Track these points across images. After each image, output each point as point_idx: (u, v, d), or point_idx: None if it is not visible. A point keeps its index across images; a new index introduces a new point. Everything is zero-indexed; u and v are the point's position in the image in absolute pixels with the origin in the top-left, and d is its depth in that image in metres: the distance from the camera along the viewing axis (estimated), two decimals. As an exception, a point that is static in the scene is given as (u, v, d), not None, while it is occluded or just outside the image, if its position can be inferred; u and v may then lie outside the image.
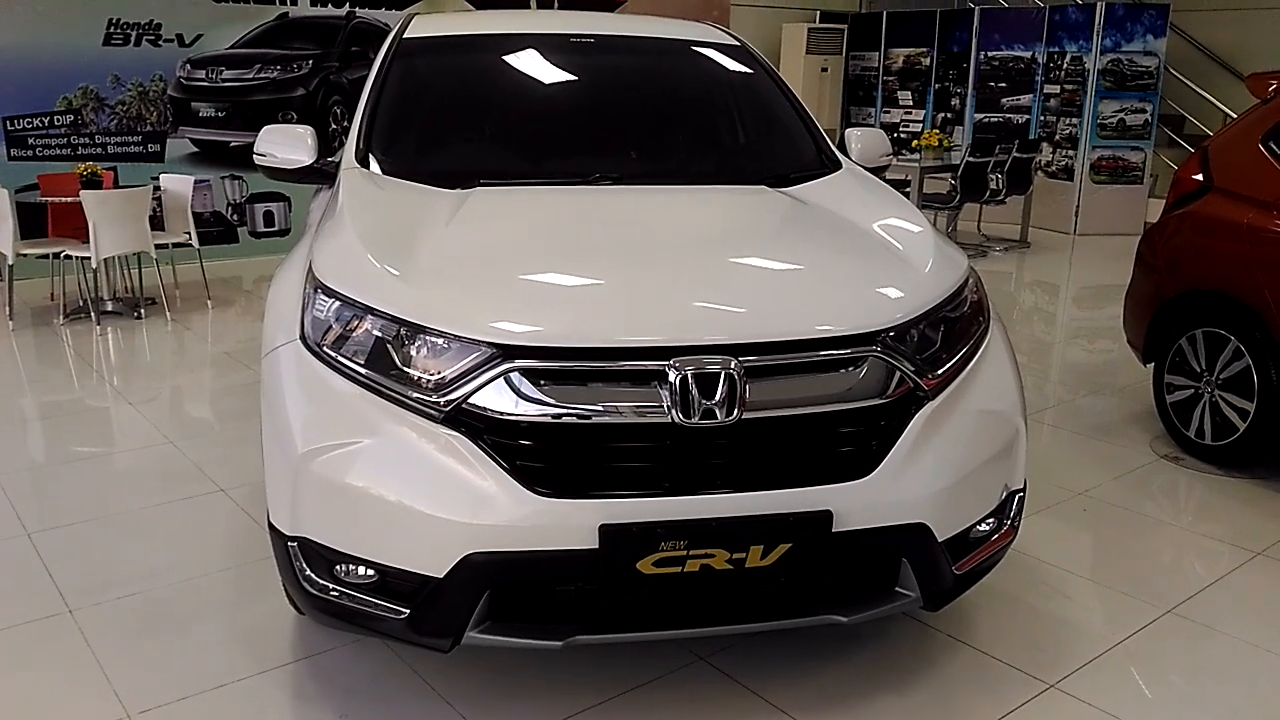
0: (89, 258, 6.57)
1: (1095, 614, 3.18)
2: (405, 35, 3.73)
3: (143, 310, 7.00)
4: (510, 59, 3.67)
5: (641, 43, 3.88)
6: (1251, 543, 3.66)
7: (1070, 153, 10.65)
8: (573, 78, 3.69)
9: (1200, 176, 4.51)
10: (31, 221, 7.24)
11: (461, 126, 3.57)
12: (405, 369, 2.33)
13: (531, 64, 3.66)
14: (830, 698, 2.70)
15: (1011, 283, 8.65)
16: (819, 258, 2.76)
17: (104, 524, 3.75)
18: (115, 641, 2.94)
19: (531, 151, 3.46)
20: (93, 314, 6.83)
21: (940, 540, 2.45)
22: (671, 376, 2.24)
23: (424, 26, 3.81)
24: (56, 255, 6.81)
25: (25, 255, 6.81)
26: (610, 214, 2.96)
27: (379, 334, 2.38)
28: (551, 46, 3.72)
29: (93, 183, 6.74)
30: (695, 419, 2.24)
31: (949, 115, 11.75)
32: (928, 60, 11.88)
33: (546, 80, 3.67)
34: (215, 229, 8.74)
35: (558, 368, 2.26)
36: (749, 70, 3.85)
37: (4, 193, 6.69)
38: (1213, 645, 3.01)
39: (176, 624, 3.05)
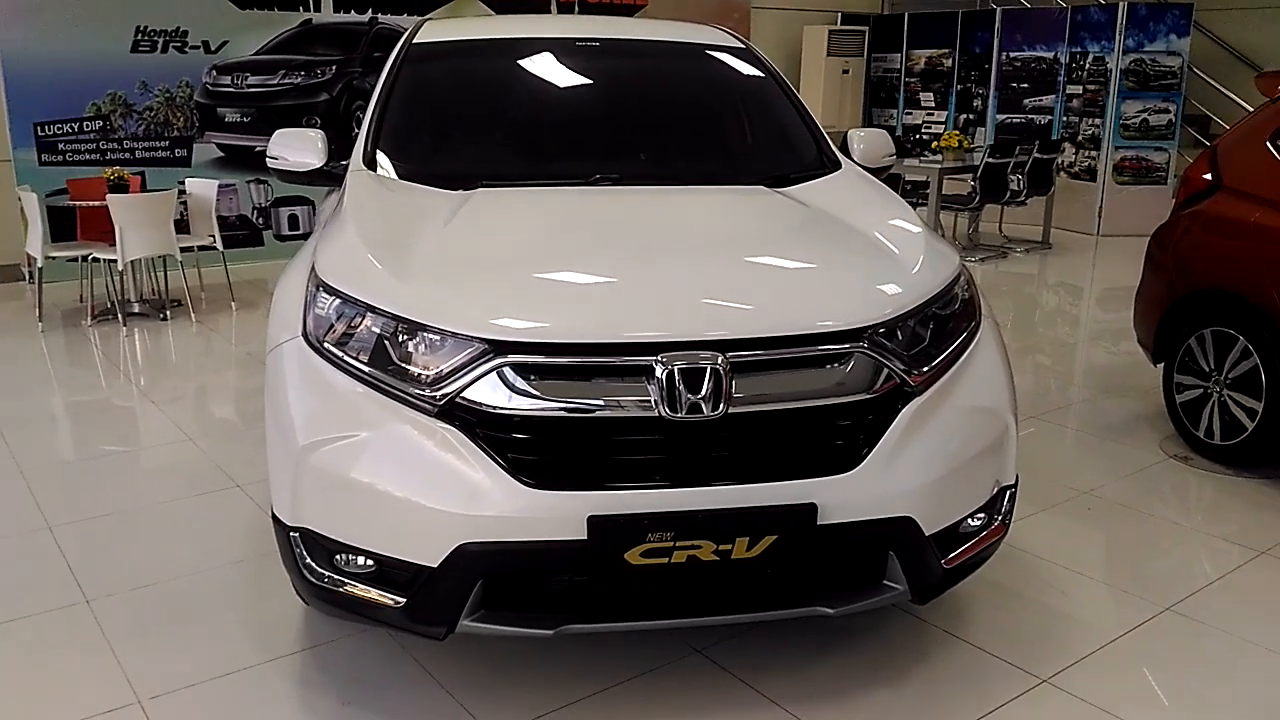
0: (116, 260, 6.71)
1: (1092, 610, 3.19)
2: (415, 41, 3.80)
3: (168, 312, 7.14)
4: (516, 63, 3.74)
5: (645, 46, 3.94)
6: (1256, 541, 3.65)
7: (1093, 153, 10.59)
8: (576, 81, 3.75)
9: (1209, 175, 4.50)
10: (61, 225, 7.41)
11: (466, 130, 3.65)
12: (402, 364, 2.40)
13: (536, 68, 3.73)
14: (824, 690, 2.74)
15: (1033, 284, 8.62)
16: (808, 255, 2.80)
17: (123, 518, 3.85)
18: (129, 631, 3.03)
19: (533, 153, 3.53)
20: (120, 315, 6.98)
21: (927, 534, 2.48)
22: (658, 372, 2.29)
23: (433, 32, 3.89)
24: (85, 258, 6.97)
25: (54, 258, 6.98)
26: (605, 214, 3.02)
27: (377, 331, 2.45)
28: (557, 50, 3.79)
29: (120, 187, 6.90)
30: (682, 414, 2.29)
31: (971, 116, 11.72)
32: (949, 61, 11.86)
33: (550, 84, 3.74)
34: (240, 232, 8.89)
35: (548, 363, 2.32)
36: (752, 72, 3.89)
37: (34, 196, 6.86)
38: (1210, 642, 3.01)
39: (188, 615, 3.13)
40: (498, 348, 2.32)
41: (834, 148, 3.67)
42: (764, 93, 3.83)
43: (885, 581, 2.53)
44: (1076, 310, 7.93)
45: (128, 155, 8.32)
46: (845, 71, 12.32)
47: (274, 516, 2.57)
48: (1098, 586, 3.34)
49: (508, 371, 2.31)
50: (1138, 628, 3.08)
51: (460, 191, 3.05)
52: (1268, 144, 4.27)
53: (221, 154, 8.79)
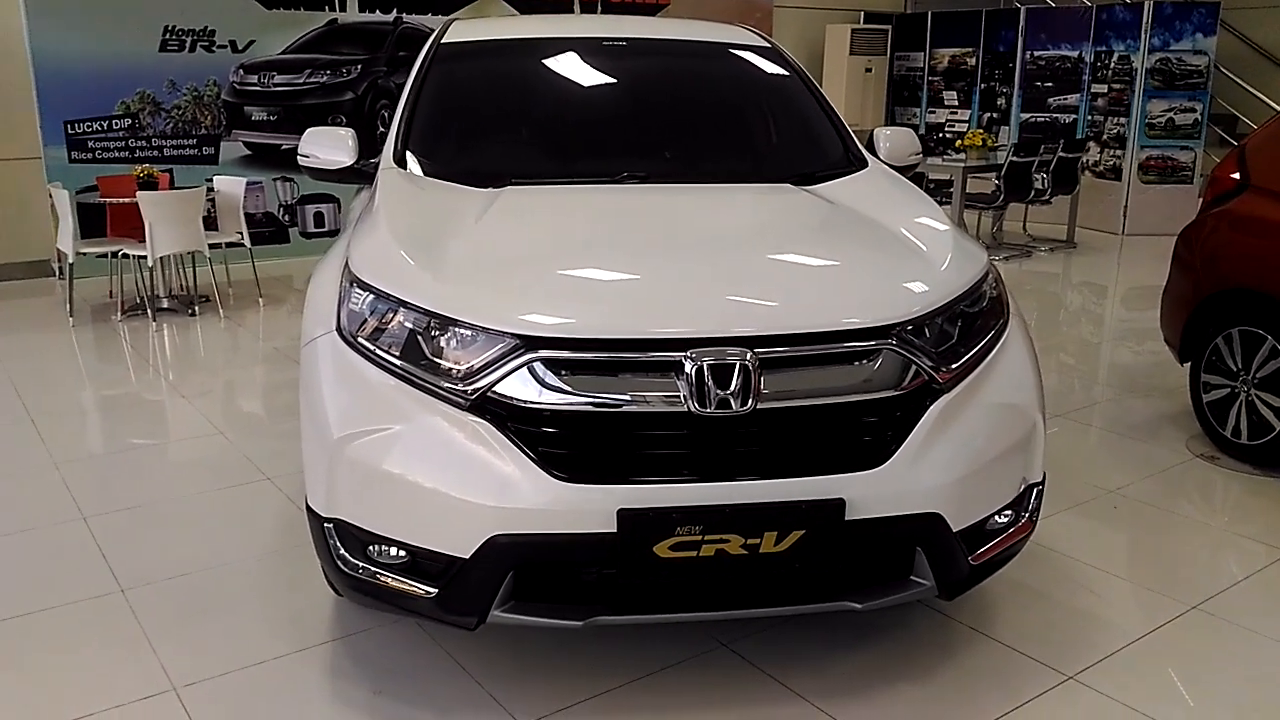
0: (145, 256, 6.79)
1: (1119, 609, 3.19)
2: (443, 40, 3.84)
3: (197, 307, 7.22)
4: (543, 62, 3.77)
5: (672, 45, 3.96)
6: (1283, 541, 3.64)
7: (1118, 152, 10.53)
8: (603, 80, 3.78)
9: (1237, 175, 4.49)
10: (91, 221, 7.50)
11: (495, 128, 3.68)
12: (435, 359, 2.43)
13: (564, 67, 3.76)
14: (850, 685, 2.75)
15: (1058, 283, 8.59)
16: (836, 253, 2.82)
17: (156, 510, 3.91)
18: (163, 620, 3.09)
19: (562, 152, 3.56)
20: (149, 311, 7.06)
21: (955, 530, 2.49)
22: (688, 368, 2.32)
23: (461, 32, 3.92)
24: (115, 254, 7.05)
25: (85, 254, 7.07)
26: (633, 212, 3.05)
27: (410, 326, 2.48)
28: (584, 50, 3.82)
29: (149, 184, 6.97)
30: (710, 409, 2.31)
31: (995, 115, 11.67)
32: (973, 60, 11.81)
33: (578, 83, 3.77)
34: (267, 229, 8.96)
35: (578, 358, 2.35)
36: (779, 71, 3.91)
37: (65, 193, 6.95)
38: (1238, 641, 3.01)
39: (222, 604, 3.18)
40: (529, 343, 2.35)
41: (860, 146, 3.68)
42: (790, 91, 3.85)
43: (912, 577, 2.54)
44: (1101, 309, 7.89)
45: (156, 153, 8.41)
46: (868, 70, 12.29)
47: (308, 507, 2.61)
48: (1124, 585, 3.34)
49: (538, 366, 2.34)
50: (1164, 626, 3.08)
51: (490, 189, 3.09)
52: (1297, 143, 4.25)
53: (248, 152, 8.87)
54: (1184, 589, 3.29)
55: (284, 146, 8.88)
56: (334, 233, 9.22)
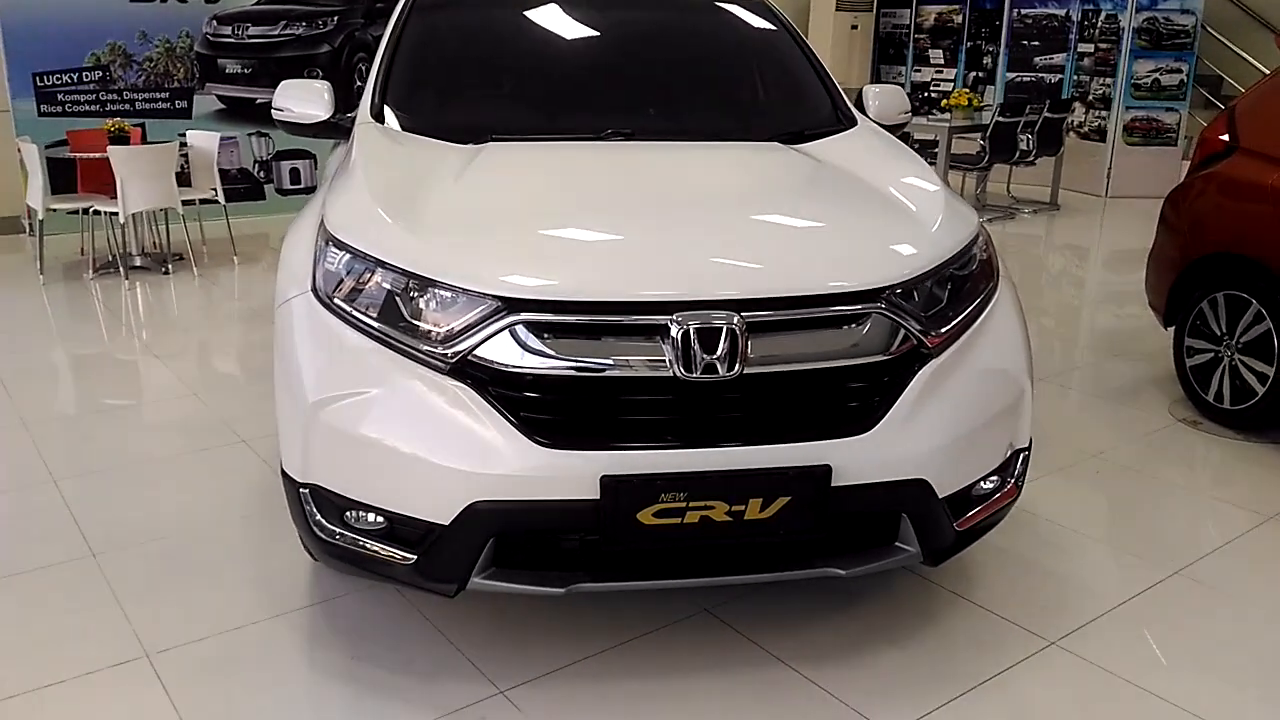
0: (117, 213, 6.66)
1: (1101, 574, 3.19)
2: (422, -10, 3.74)
3: (170, 266, 7.09)
4: (525, 15, 3.67)
5: None
6: (1265, 506, 3.64)
7: (1103, 113, 10.48)
8: (587, 33, 3.69)
9: (1226, 137, 4.45)
10: (61, 177, 7.34)
11: (475, 82, 3.59)
12: (413, 321, 2.37)
13: (546, 19, 3.67)
14: (831, 649, 2.74)
15: (1040, 245, 8.56)
16: (825, 214, 2.76)
17: (128, 472, 3.84)
18: (136, 584, 3.03)
19: (544, 107, 3.47)
20: (121, 269, 6.93)
21: (941, 496, 2.46)
22: (673, 331, 2.26)
23: (440, -18, 3.81)
24: (86, 210, 6.91)
25: (55, 210, 6.93)
26: (619, 170, 2.97)
27: (388, 287, 2.41)
28: (567, 2, 3.71)
29: (120, 139, 6.82)
30: (696, 373, 2.26)
31: (981, 74, 11.58)
32: (960, 17, 11.70)
33: (561, 36, 3.68)
34: (242, 186, 8.81)
35: (561, 321, 2.29)
36: (766, 26, 3.83)
37: (34, 148, 6.79)
38: (1218, 606, 3.01)
39: (196, 569, 3.13)
40: (510, 305, 2.29)
41: (850, 104, 3.61)
42: (778, 47, 3.77)
43: (897, 543, 2.52)
44: (1083, 272, 7.88)
45: (128, 106, 8.22)
46: (854, 27, 12.15)
47: (283, 472, 2.55)
48: (1105, 550, 3.34)
49: (520, 329, 2.29)
50: (1145, 591, 3.08)
51: (471, 145, 3.01)
52: (1287, 105, 4.21)
53: (222, 106, 8.69)
54: (1165, 554, 3.29)
55: (259, 100, 8.70)
56: (310, 189, 9.08)
